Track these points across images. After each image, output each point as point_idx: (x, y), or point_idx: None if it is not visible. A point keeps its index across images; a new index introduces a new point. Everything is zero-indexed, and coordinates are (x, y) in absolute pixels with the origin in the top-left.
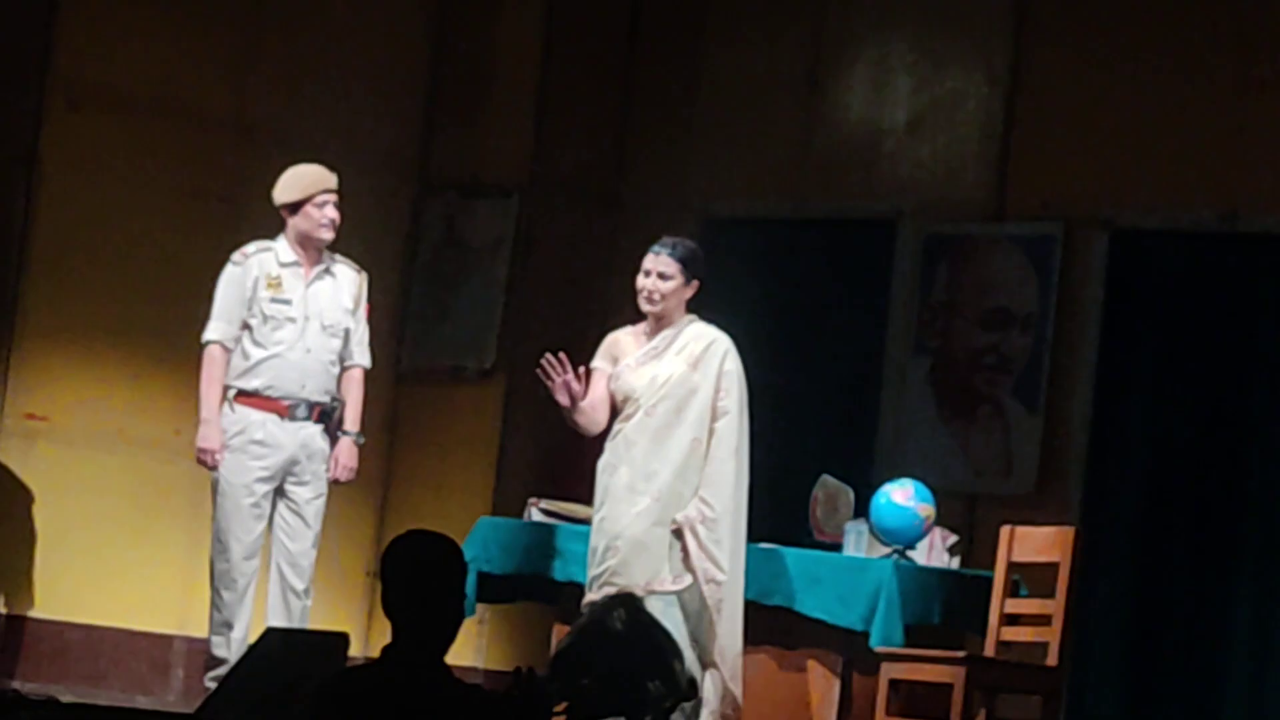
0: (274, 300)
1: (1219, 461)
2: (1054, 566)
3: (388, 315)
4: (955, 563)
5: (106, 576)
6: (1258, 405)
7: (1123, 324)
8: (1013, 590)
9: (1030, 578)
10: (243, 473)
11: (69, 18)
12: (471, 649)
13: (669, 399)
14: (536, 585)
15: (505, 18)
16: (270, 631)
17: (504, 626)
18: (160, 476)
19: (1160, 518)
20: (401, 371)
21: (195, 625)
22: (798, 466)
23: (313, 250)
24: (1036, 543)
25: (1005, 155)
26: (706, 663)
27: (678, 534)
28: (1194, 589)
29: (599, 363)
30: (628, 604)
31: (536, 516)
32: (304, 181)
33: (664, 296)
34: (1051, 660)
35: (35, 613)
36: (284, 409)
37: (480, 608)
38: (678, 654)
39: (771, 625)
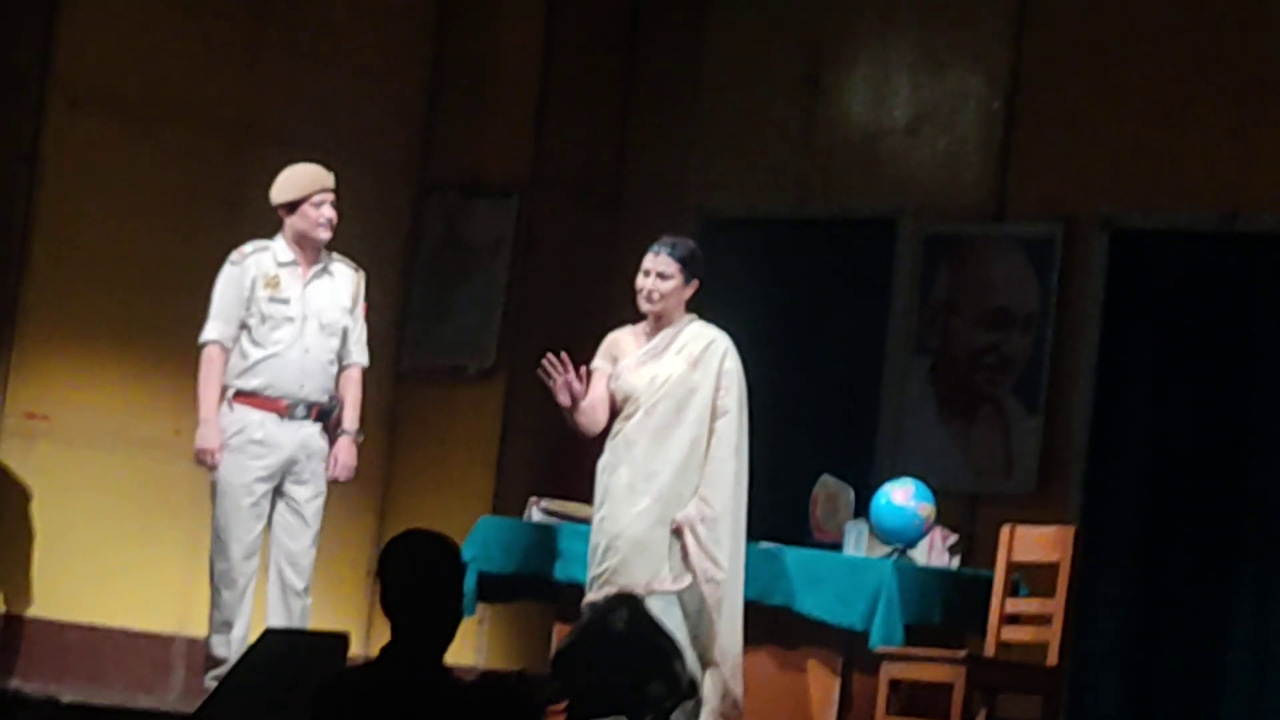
0: (272, 300)
1: (1219, 461)
2: (1054, 566)
3: (388, 315)
4: (955, 562)
5: (107, 576)
6: (1258, 405)
7: (1123, 324)
8: (1013, 590)
9: (1030, 577)
10: (242, 472)
11: (69, 18)
12: (472, 649)
13: (669, 398)
14: (537, 585)
15: (505, 18)
16: (270, 631)
17: (504, 626)
18: (160, 476)
19: (1160, 517)
20: (401, 371)
21: (195, 625)
22: (798, 466)
23: (310, 250)
24: (1037, 542)
25: (1005, 155)
26: (707, 662)
27: (677, 533)
28: (1194, 588)
29: (599, 362)
30: (629, 604)
31: (537, 516)
32: (301, 181)
33: (663, 296)
34: (1051, 660)
35: (35, 612)
36: (283, 408)
37: (481, 607)
38: (679, 654)
39: (772, 625)
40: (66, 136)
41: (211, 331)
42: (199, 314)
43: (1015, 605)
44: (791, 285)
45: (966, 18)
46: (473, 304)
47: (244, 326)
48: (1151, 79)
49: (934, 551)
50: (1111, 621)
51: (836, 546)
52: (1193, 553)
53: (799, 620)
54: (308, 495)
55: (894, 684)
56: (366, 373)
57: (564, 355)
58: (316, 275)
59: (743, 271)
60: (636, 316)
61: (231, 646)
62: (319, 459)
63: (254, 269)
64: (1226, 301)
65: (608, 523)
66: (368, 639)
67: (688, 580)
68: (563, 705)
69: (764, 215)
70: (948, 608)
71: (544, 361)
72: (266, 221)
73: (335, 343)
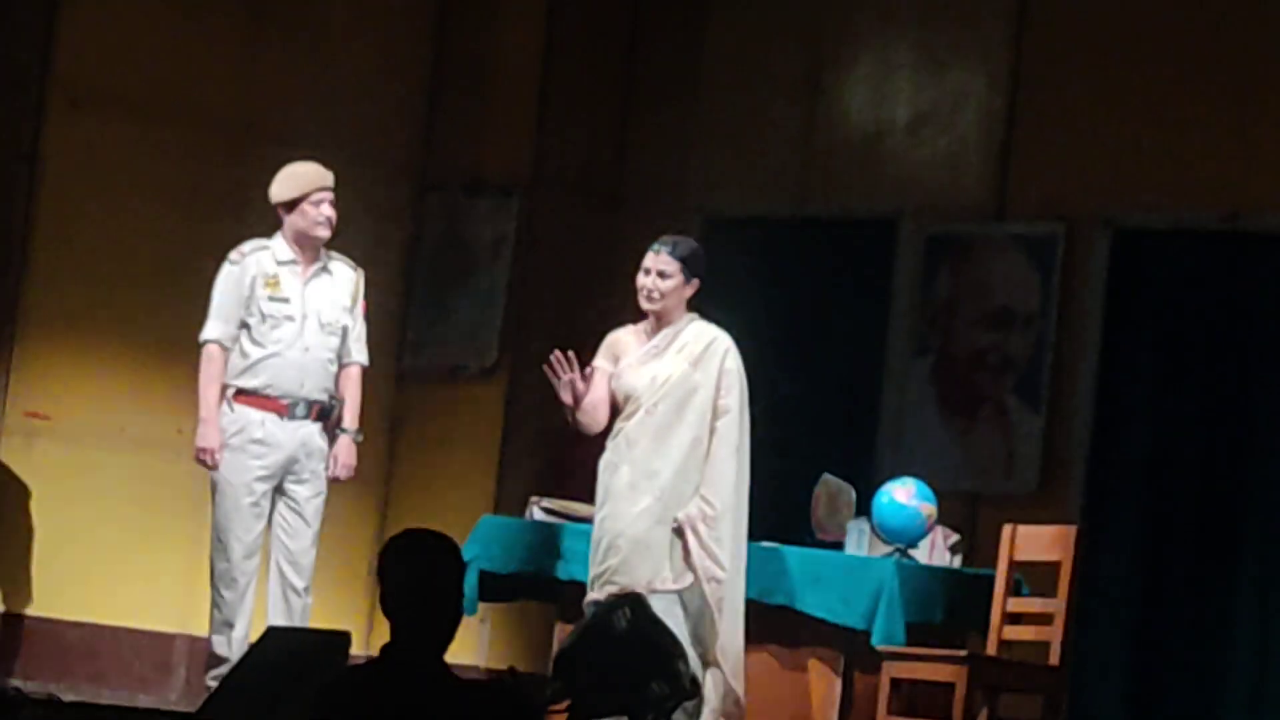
0: (272, 299)
1: (1221, 461)
2: (1056, 565)
3: (388, 315)
4: (957, 561)
5: (107, 575)
6: (1259, 405)
7: (1124, 324)
8: (1014, 589)
9: (1032, 577)
10: (242, 472)
11: (69, 18)
12: (472, 648)
13: (670, 398)
14: (538, 584)
15: (505, 18)
16: (271, 630)
17: (506, 625)
18: (161, 475)
19: (1162, 517)
20: (402, 371)
21: (196, 624)
22: (799, 465)
23: (310, 248)
24: (1038, 542)
25: (1006, 155)
26: (708, 661)
27: (679, 533)
28: (1195, 588)
29: (600, 362)
30: (630, 603)
31: (538, 515)
32: (300, 179)
33: (664, 295)
34: (1053, 659)
35: (36, 611)
36: (283, 408)
37: (482, 607)
38: (680, 653)
39: (773, 624)
40: (66, 136)
41: (211, 331)
42: (199, 313)
43: (1017, 604)
44: (792, 285)
45: (967, 18)
46: (473, 303)
47: (244, 326)
48: (1151, 79)
49: (935, 550)
50: (1113, 621)
51: (838, 546)
52: (1194, 552)
53: (800, 619)
54: (308, 494)
55: (895, 683)
56: (367, 372)
57: (570, 354)
58: (316, 274)
59: (743, 271)
60: (637, 316)
61: (233, 646)
62: (319, 458)
63: (253, 268)
64: (1228, 301)
65: (609, 522)
66: (368, 639)
67: (689, 579)
68: (564, 705)
69: (764, 215)
70: (949, 607)
71: (550, 358)
72: (267, 221)
73: (335, 342)
